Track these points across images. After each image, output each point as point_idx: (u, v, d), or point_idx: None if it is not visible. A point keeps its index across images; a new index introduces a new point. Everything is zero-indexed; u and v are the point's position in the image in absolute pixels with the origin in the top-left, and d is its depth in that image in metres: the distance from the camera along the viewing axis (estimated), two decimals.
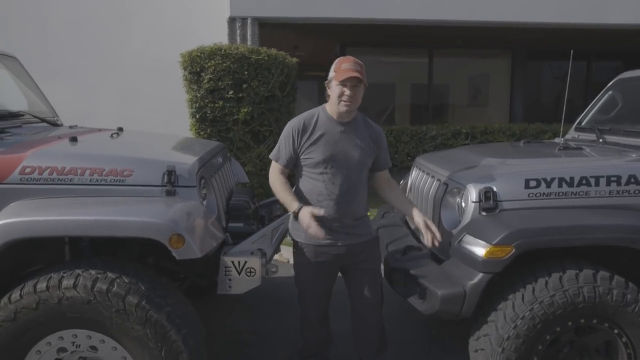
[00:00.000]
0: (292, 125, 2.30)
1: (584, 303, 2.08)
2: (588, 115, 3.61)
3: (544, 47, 9.28)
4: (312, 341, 2.55)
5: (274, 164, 2.37)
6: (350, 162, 2.26)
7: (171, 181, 2.16)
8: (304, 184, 2.33)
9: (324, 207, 2.26)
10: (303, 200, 2.31)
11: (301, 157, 2.29)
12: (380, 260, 2.49)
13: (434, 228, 2.28)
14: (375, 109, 9.75)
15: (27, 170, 2.10)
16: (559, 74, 10.34)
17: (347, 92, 2.20)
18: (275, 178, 2.35)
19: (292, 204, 2.26)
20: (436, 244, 2.26)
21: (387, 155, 2.46)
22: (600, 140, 3.13)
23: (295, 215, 2.25)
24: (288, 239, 2.67)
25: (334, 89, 2.25)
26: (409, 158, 7.27)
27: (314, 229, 2.16)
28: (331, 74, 2.27)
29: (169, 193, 2.15)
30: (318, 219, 2.21)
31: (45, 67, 6.02)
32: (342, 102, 2.22)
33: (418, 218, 2.33)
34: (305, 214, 2.19)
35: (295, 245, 2.41)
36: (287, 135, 2.31)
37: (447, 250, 2.41)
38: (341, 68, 2.21)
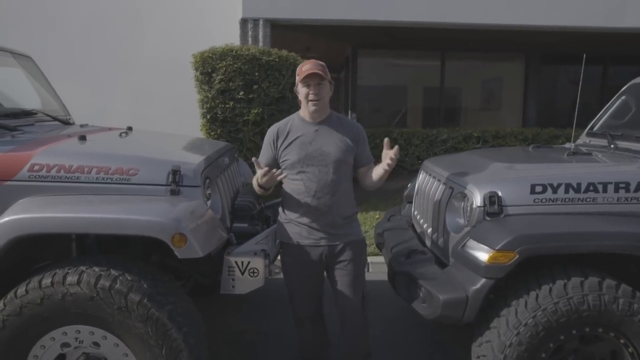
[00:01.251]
0: (268, 133, 2.43)
1: (588, 311, 2.04)
2: (600, 120, 3.56)
3: (558, 50, 9.18)
4: (308, 340, 2.57)
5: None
6: (327, 159, 2.31)
7: (176, 181, 2.18)
8: (287, 185, 2.40)
9: (305, 205, 2.32)
10: (287, 201, 2.40)
11: (280, 161, 2.38)
12: (364, 266, 2.49)
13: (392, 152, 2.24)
14: (387, 112, 9.74)
15: (36, 167, 2.14)
16: (574, 78, 10.18)
17: (312, 90, 2.30)
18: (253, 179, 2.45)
19: (255, 179, 2.38)
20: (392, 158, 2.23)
21: (369, 151, 2.49)
22: (612, 145, 3.07)
23: (259, 182, 2.32)
24: None
25: (300, 91, 2.35)
26: (419, 161, 7.23)
27: (264, 174, 2.25)
28: (296, 79, 2.38)
29: (174, 192, 2.17)
30: (301, 219, 2.34)
31: (59, 66, 6.13)
32: (310, 102, 2.31)
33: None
34: (258, 170, 2.28)
35: (281, 246, 2.47)
36: (266, 141, 2.43)
37: (451, 255, 2.39)
38: (302, 70, 2.32)
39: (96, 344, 2.03)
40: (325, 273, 2.46)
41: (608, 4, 6.85)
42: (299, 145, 2.33)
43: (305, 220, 2.34)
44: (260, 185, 2.36)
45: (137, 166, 2.20)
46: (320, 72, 2.27)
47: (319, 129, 2.37)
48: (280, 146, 2.37)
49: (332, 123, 2.40)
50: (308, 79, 2.29)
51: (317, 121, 2.38)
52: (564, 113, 9.93)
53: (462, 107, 10.51)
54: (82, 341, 2.02)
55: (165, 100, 7.21)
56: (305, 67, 2.31)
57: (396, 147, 2.28)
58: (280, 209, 2.49)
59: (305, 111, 2.39)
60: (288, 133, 2.37)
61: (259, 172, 2.28)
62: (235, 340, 3.12)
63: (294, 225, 2.38)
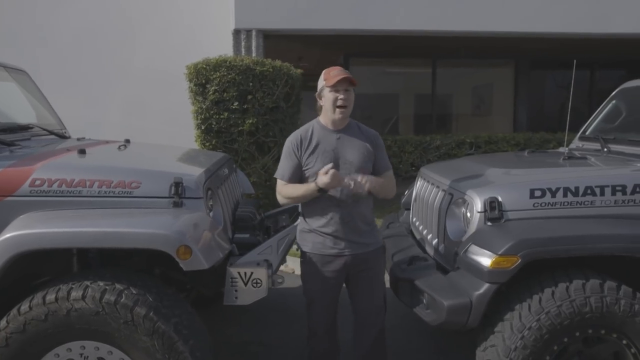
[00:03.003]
0: (290, 141, 2.36)
1: (591, 313, 2.07)
2: (592, 124, 3.61)
3: (547, 56, 9.32)
4: (318, 350, 2.54)
5: (278, 182, 2.39)
6: (350, 167, 2.28)
7: (178, 193, 2.18)
8: None
9: (329, 214, 2.29)
10: (310, 210, 2.34)
11: (303, 169, 2.33)
12: (384, 270, 2.49)
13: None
14: (379, 119, 9.79)
15: (37, 182, 2.13)
16: (563, 83, 10.35)
17: (340, 95, 2.25)
18: (282, 188, 2.36)
19: (309, 186, 2.24)
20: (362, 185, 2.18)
21: (386, 158, 2.46)
22: (605, 149, 3.13)
23: (319, 189, 2.21)
24: (294, 249, 2.68)
25: (327, 96, 2.29)
26: (413, 168, 7.28)
27: (334, 175, 2.13)
28: (321, 83, 2.33)
29: (176, 205, 2.17)
30: (325, 228, 2.27)
31: (51, 80, 6.09)
32: (338, 108, 2.26)
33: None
34: (322, 175, 2.16)
35: (303, 255, 2.43)
36: (287, 150, 2.36)
37: (453, 261, 2.41)
38: (330, 75, 2.27)
39: None
40: (345, 282, 2.43)
41: (594, 10, 6.99)
42: (322, 153, 2.29)
43: (329, 229, 2.29)
44: (320, 190, 2.19)
45: (139, 179, 2.20)
46: (350, 77, 2.23)
47: (340, 136, 2.33)
48: (304, 154, 2.30)
49: (352, 130, 2.38)
50: (338, 85, 2.24)
51: (339, 129, 2.35)
52: (554, 117, 10.07)
53: (454, 114, 10.61)
54: (87, 357, 2.00)
55: (158, 112, 7.18)
56: (334, 72, 2.25)
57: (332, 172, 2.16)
58: (301, 218, 2.44)
59: (327, 118, 2.33)
60: (310, 140, 2.32)
61: (325, 176, 2.13)
62: (237, 351, 3.10)
63: (317, 235, 2.33)
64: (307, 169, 2.31)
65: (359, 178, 2.18)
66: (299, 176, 2.34)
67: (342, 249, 2.31)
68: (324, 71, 2.34)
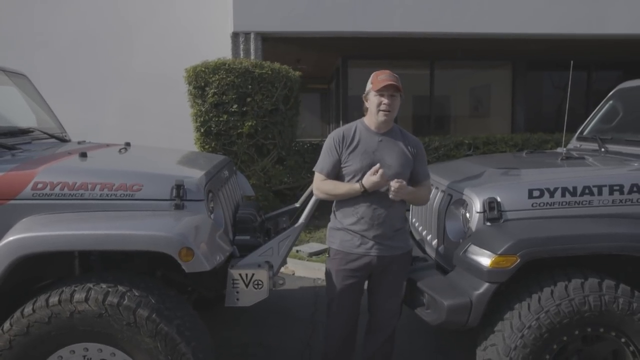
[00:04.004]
0: (332, 137, 2.39)
1: (590, 312, 2.09)
2: (590, 124, 3.64)
3: (544, 57, 9.36)
4: (333, 352, 2.49)
5: (317, 176, 2.40)
6: (388, 171, 2.28)
7: (180, 195, 2.20)
8: None
9: (361, 215, 2.31)
10: (343, 208, 2.37)
11: (342, 166, 2.35)
12: (407, 276, 2.47)
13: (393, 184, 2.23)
14: None
15: (39, 185, 2.14)
16: (560, 84, 10.40)
17: (385, 100, 2.29)
18: (321, 183, 2.38)
19: (352, 186, 2.28)
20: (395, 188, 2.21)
21: (426, 166, 2.48)
22: (602, 149, 3.15)
23: (365, 189, 2.23)
24: (294, 251, 2.69)
25: (372, 99, 2.33)
26: None
27: (382, 176, 2.18)
28: (368, 86, 2.37)
29: (178, 207, 2.19)
30: (354, 227, 2.31)
31: (50, 84, 6.10)
32: (381, 112, 2.30)
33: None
34: (370, 175, 2.21)
35: (329, 252, 2.45)
36: (329, 145, 2.38)
37: (453, 261, 2.43)
38: (378, 79, 2.30)
39: None
40: (366, 281, 2.44)
41: (591, 12, 7.03)
42: (362, 153, 2.31)
43: (358, 228, 2.31)
44: (365, 190, 2.23)
45: (141, 182, 2.21)
46: (396, 83, 2.27)
47: (382, 139, 2.35)
48: (345, 150, 2.33)
49: (395, 135, 2.40)
50: (384, 90, 2.27)
51: (382, 132, 2.37)
52: (551, 118, 10.11)
53: (451, 115, 10.64)
54: (91, 359, 2.01)
55: (156, 115, 7.20)
56: (382, 77, 2.29)
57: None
58: (332, 215, 2.46)
59: (371, 120, 2.37)
60: (352, 139, 2.34)
61: (374, 176, 2.18)
62: (238, 353, 3.11)
63: (347, 233, 2.35)
64: (346, 167, 2.33)
65: (392, 183, 2.21)
66: (336, 172, 2.36)
67: (368, 249, 2.33)
68: (373, 74, 2.38)
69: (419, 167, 2.42)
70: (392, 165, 2.31)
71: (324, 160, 2.38)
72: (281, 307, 3.75)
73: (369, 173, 2.23)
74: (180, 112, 6.03)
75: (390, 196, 2.24)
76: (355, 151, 2.32)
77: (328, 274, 2.44)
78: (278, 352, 3.13)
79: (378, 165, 2.23)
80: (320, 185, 2.38)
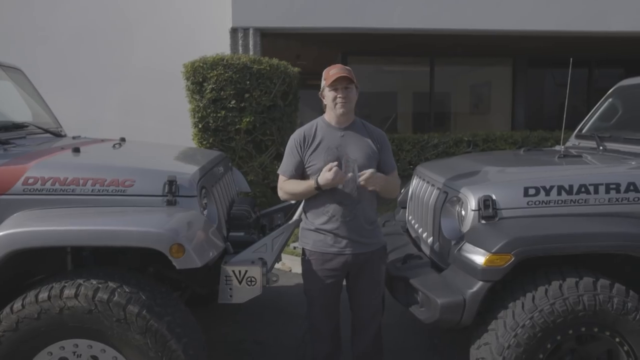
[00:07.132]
0: (293, 138, 2.37)
1: (584, 311, 2.07)
2: (589, 122, 3.62)
3: (545, 54, 9.32)
4: (321, 352, 2.48)
5: (280, 178, 2.39)
6: (352, 165, 2.24)
7: (172, 191, 2.18)
8: None
9: (331, 212, 2.29)
10: (312, 208, 2.34)
11: (306, 167, 2.33)
12: (384, 271, 2.47)
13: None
14: (377, 118, 9.78)
15: (30, 180, 2.13)
16: (561, 82, 10.36)
17: (339, 94, 2.28)
18: (283, 184, 2.37)
19: (309, 183, 2.26)
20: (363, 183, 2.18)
21: (392, 158, 2.45)
22: (601, 147, 3.13)
23: (319, 186, 2.21)
24: (289, 247, 2.68)
25: (327, 95, 2.32)
26: (410, 166, 7.27)
27: (335, 173, 2.15)
28: (322, 83, 2.36)
29: (170, 203, 2.17)
30: (326, 226, 2.28)
31: (50, 79, 6.10)
32: (338, 104, 2.28)
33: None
34: (325, 172, 2.18)
35: (303, 253, 2.42)
36: (290, 147, 2.37)
37: (447, 259, 2.41)
38: (329, 74, 2.29)
39: (94, 358, 2.01)
40: (344, 280, 2.42)
41: (592, 8, 6.99)
42: (326, 150, 2.29)
43: (330, 227, 2.29)
44: (318, 187, 2.21)
45: (133, 177, 2.20)
46: (347, 75, 2.26)
47: (345, 134, 2.33)
48: (307, 150, 2.31)
49: (358, 128, 2.38)
50: (336, 83, 2.26)
51: (343, 126, 2.35)
52: (551, 115, 10.08)
53: (452, 112, 10.62)
54: (80, 355, 2.00)
55: (156, 110, 7.18)
56: (333, 71, 2.28)
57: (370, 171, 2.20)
58: (303, 216, 2.44)
59: (331, 115, 2.36)
60: (314, 137, 2.32)
61: (328, 173, 2.14)
62: (232, 349, 3.11)
63: (319, 233, 2.32)
64: (310, 166, 2.31)
65: (361, 174, 2.18)
66: (301, 173, 2.34)
67: (342, 248, 2.30)
68: (324, 70, 2.36)
69: (385, 158, 2.39)
70: (357, 158, 2.27)
71: (286, 162, 2.37)
72: (277, 303, 3.74)
73: (324, 169, 2.20)
74: (180, 107, 6.01)
75: (361, 184, 2.19)
76: (318, 149, 2.30)
77: (305, 274, 2.41)
78: (273, 348, 3.12)
79: (335, 163, 2.19)
80: (283, 186, 2.37)
